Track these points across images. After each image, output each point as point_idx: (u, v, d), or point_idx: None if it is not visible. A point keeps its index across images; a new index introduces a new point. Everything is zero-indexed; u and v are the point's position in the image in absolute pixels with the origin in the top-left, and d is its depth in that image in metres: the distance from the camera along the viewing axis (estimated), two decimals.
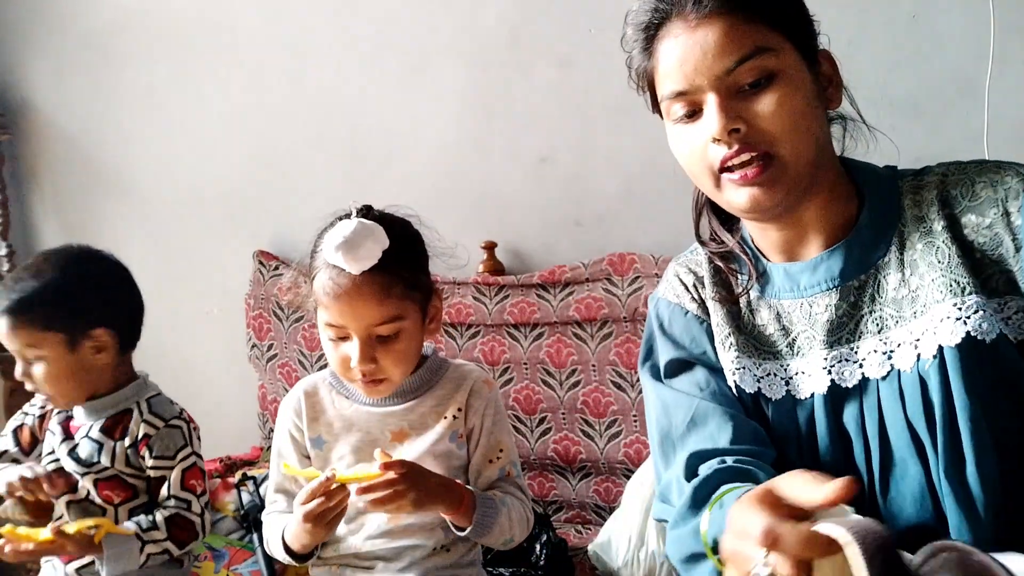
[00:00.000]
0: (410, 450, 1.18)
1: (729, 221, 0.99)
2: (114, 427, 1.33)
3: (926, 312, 0.83)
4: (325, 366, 1.30)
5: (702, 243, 1.00)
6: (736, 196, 0.85)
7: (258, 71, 2.19)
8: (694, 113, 0.85)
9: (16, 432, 1.40)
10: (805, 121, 0.83)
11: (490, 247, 2.03)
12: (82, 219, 2.37)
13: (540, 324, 1.94)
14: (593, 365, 1.89)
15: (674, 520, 0.87)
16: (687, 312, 0.98)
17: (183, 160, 2.28)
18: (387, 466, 1.06)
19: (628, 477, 1.74)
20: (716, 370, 0.95)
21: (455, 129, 2.07)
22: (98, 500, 1.31)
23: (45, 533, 1.22)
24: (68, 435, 1.34)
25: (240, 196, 2.24)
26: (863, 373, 0.87)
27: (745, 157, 0.82)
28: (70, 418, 1.36)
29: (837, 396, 0.88)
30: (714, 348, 0.96)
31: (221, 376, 2.28)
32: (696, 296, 0.99)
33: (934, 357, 0.81)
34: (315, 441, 1.21)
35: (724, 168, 0.84)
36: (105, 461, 1.30)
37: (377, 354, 1.13)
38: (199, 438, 1.38)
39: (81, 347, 1.30)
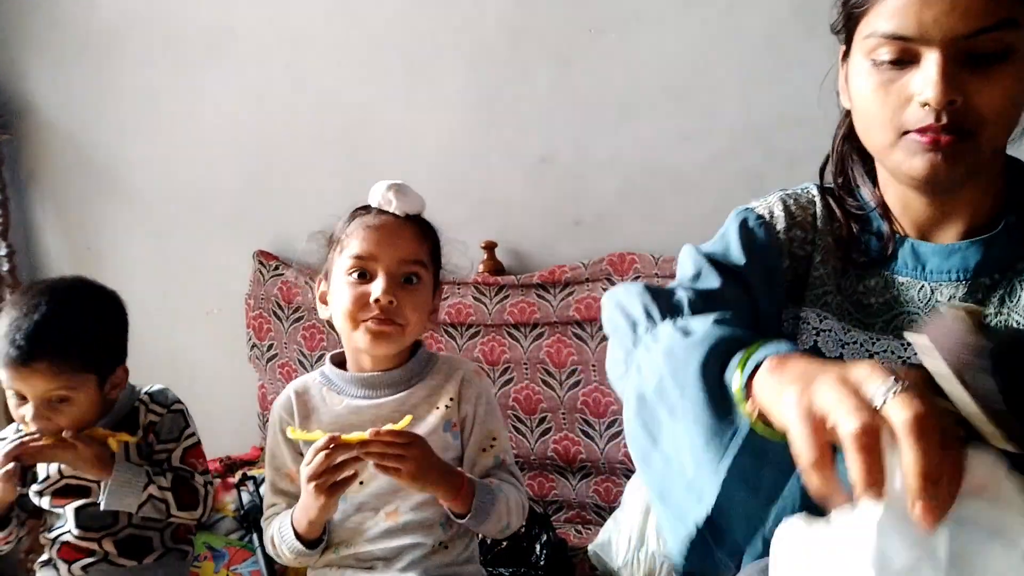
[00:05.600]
0: None
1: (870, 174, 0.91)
2: (125, 426, 1.35)
3: None
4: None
5: (831, 189, 0.92)
6: (914, 160, 0.77)
7: (258, 71, 2.19)
8: (902, 62, 0.77)
9: None
10: (1016, 110, 0.77)
11: (490, 247, 2.03)
12: (82, 219, 2.37)
13: (540, 324, 1.94)
14: (593, 365, 1.89)
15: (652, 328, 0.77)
16: (772, 236, 0.90)
17: (183, 160, 2.28)
18: (396, 434, 1.07)
19: (628, 477, 1.74)
20: (750, 303, 0.87)
21: (455, 129, 2.07)
22: None
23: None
24: None
25: (240, 196, 2.24)
26: None
27: (945, 131, 0.75)
28: None
29: None
30: (777, 286, 0.88)
31: (221, 376, 2.27)
32: (797, 234, 0.90)
33: None
34: None
35: (915, 131, 0.77)
36: (122, 458, 1.32)
37: (399, 295, 1.17)
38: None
39: (106, 386, 1.32)
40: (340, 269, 1.20)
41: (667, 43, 1.91)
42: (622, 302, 0.84)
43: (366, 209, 1.24)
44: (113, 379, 1.33)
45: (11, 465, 1.23)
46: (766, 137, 1.85)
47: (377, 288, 1.16)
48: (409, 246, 1.20)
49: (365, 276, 1.18)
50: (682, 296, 0.82)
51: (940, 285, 0.84)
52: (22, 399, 1.26)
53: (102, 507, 1.28)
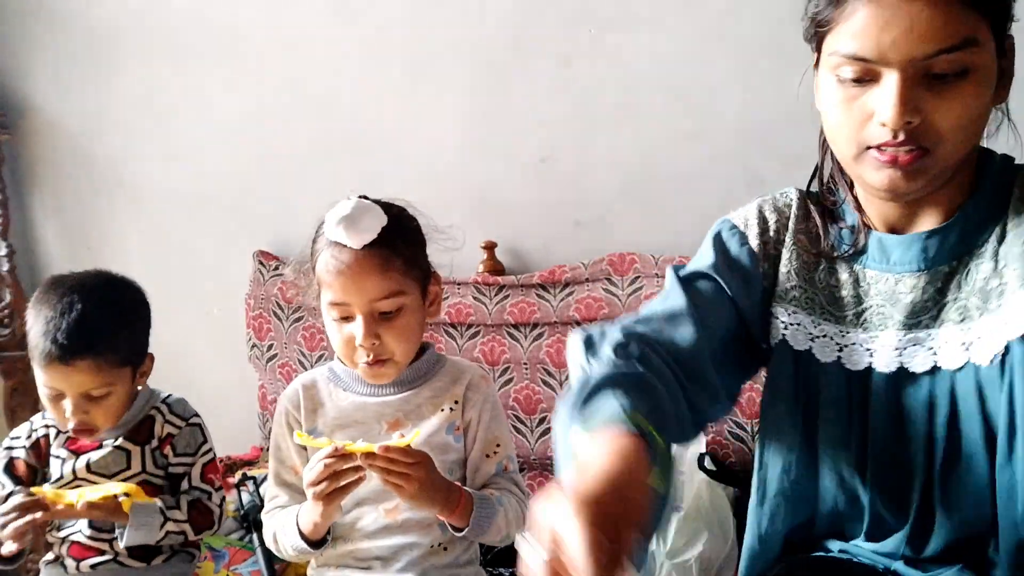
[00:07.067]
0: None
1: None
2: (139, 433, 1.35)
3: (1010, 304, 0.79)
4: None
5: (815, 192, 0.95)
6: (875, 175, 0.80)
7: (258, 71, 2.19)
8: (863, 80, 0.79)
9: (8, 468, 1.35)
10: (976, 125, 0.79)
11: (490, 247, 2.03)
12: (82, 219, 2.37)
13: (540, 324, 1.94)
14: None
15: (576, 389, 0.80)
16: (745, 243, 0.93)
17: (183, 160, 2.28)
18: (404, 452, 1.06)
19: None
20: (729, 300, 0.91)
21: (455, 129, 2.07)
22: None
23: (71, 497, 1.22)
24: (77, 454, 1.34)
25: (240, 196, 2.24)
26: (936, 362, 0.84)
27: (904, 149, 0.77)
28: (72, 438, 1.35)
29: (901, 379, 0.86)
30: (755, 288, 0.92)
31: (221, 376, 2.27)
32: (770, 237, 0.93)
33: (1010, 350, 0.78)
34: (312, 432, 1.22)
35: (875, 147, 0.79)
36: (136, 467, 1.33)
37: (380, 331, 1.15)
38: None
39: (137, 376, 1.33)
40: (324, 302, 1.19)
41: (667, 43, 1.91)
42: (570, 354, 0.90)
43: (328, 238, 1.17)
44: (143, 368, 1.35)
45: (25, 521, 1.20)
46: (766, 137, 1.85)
47: (357, 333, 1.14)
48: (377, 284, 1.14)
49: (347, 315, 1.16)
50: (616, 333, 0.87)
51: (903, 276, 0.86)
52: (58, 394, 1.26)
53: (121, 545, 1.28)
